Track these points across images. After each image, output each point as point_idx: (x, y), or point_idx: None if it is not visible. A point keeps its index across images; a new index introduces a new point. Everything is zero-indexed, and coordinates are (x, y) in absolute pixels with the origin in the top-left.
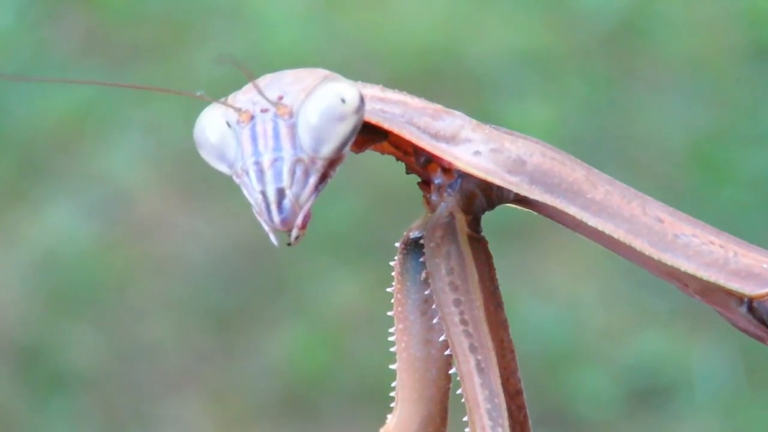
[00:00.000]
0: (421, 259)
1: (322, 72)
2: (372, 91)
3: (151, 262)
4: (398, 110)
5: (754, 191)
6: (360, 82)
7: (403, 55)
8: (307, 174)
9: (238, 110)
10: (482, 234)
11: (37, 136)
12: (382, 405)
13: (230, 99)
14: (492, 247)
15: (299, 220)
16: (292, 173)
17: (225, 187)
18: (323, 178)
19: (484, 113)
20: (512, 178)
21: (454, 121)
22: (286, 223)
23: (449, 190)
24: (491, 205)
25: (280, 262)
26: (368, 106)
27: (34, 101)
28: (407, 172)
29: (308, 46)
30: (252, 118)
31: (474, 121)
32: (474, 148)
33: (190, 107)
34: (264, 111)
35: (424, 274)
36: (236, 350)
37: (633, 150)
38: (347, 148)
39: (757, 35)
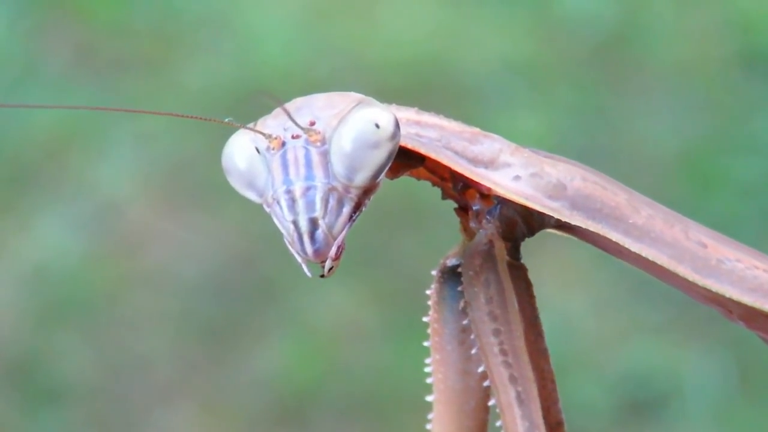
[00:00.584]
0: (459, 288)
1: (355, 96)
2: (407, 114)
3: (141, 274)
4: (435, 134)
5: (745, 200)
6: (395, 105)
7: (392, 65)
8: (340, 203)
9: (268, 136)
10: (522, 261)
11: (26, 148)
12: (374, 418)
13: (259, 124)
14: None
15: (333, 252)
16: (326, 202)
17: (215, 200)
18: (357, 207)
19: (472, 123)
20: (553, 204)
21: (492, 144)
22: (319, 254)
23: (488, 216)
24: (531, 231)
25: (271, 273)
26: (403, 130)
27: (23, 113)
28: (443, 198)
29: (297, 57)
30: (283, 144)
31: (513, 145)
32: (513, 173)
33: (180, 120)
34: (295, 137)
35: (462, 303)
36: (227, 362)
37: (623, 159)
38: (382, 176)
39: (747, 43)
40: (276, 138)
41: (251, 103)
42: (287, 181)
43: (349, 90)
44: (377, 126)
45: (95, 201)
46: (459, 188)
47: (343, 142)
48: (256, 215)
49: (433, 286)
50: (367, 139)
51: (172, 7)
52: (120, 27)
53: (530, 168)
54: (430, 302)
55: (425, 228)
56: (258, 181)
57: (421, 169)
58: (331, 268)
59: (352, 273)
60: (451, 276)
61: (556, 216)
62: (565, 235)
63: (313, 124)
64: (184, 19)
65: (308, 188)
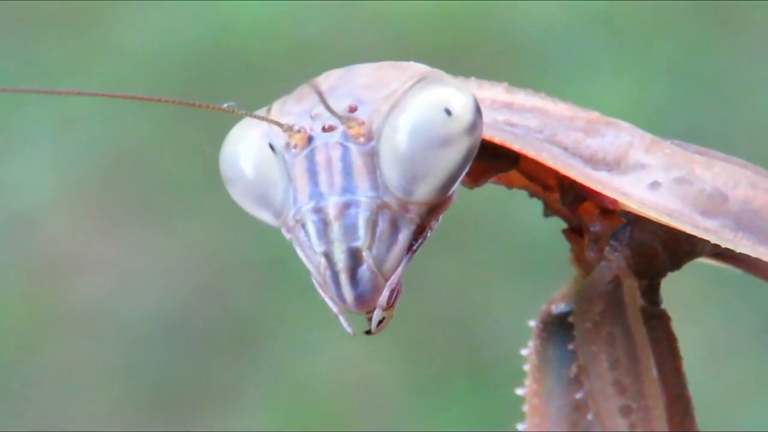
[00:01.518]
0: (570, 346)
1: (416, 68)
2: (493, 93)
3: (66, 314)
4: (534, 122)
5: None
6: (474, 80)
7: (415, 19)
8: (395, 227)
9: (289, 129)
10: (662, 307)
11: None
12: None
13: (274, 110)
14: (546, 280)
15: (384, 298)
16: (373, 226)
17: (169, 210)
18: (420, 232)
19: None
20: (708, 223)
21: (618, 136)
22: (364, 303)
23: (613, 242)
24: (677, 262)
25: (247, 312)
26: (488, 117)
27: None
28: (546, 214)
29: (280, 8)
30: (310, 140)
31: (648, 136)
32: (650, 178)
33: (110, 100)
34: (328, 130)
35: (574, 368)
36: None
37: (741, 142)
38: (457, 186)
39: None
40: (300, 131)
41: (221, 73)
42: (316, 194)
43: (357, 58)
44: (448, 113)
45: (2, 211)
46: (570, 201)
47: (399, 138)
48: (226, 233)
49: (531, 343)
50: (433, 132)
51: None
52: None
53: (674, 170)
54: (527, 367)
55: (467, 248)
56: (273, 195)
57: (514, 173)
58: (381, 320)
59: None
60: (559, 329)
61: (714, 240)
62: (723, 265)
63: (353, 110)
64: None
65: (348, 205)
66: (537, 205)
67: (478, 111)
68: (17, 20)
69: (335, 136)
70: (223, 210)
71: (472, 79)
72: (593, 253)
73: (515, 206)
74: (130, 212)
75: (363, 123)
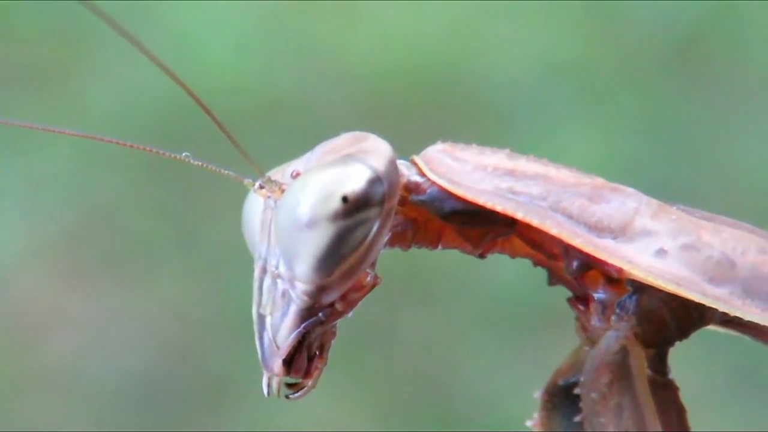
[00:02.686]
0: (577, 418)
1: (366, 144)
2: (494, 159)
3: (36, 373)
4: (537, 189)
5: None
6: (475, 146)
7: (386, 74)
8: (286, 299)
9: (251, 185)
10: (670, 377)
11: None
12: None
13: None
14: (518, 335)
15: (276, 365)
16: (272, 293)
17: (140, 267)
18: (310, 313)
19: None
20: (717, 290)
21: (624, 202)
22: (266, 365)
23: (620, 311)
24: (684, 330)
25: (220, 369)
26: (490, 184)
27: None
28: (551, 283)
29: (251, 65)
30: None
31: (654, 202)
32: (657, 245)
33: (88, 155)
34: (268, 192)
35: None
36: None
37: (709, 194)
38: (356, 273)
39: None
40: (261, 189)
41: (190, 129)
42: (261, 251)
43: (322, 112)
44: (320, 197)
45: None
46: (575, 269)
47: (278, 213)
48: (197, 291)
49: (536, 415)
50: (302, 215)
51: (70, 2)
52: (3, 29)
53: (681, 237)
54: None
55: (438, 303)
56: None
57: (516, 241)
58: (297, 388)
59: (337, 365)
60: (565, 400)
61: (723, 308)
62: (734, 333)
63: (296, 176)
64: (88, 15)
65: (264, 270)
66: (507, 260)
67: (363, 200)
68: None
69: (270, 201)
70: (194, 268)
71: (473, 145)
72: (599, 322)
73: (487, 261)
74: (101, 270)
75: (282, 190)
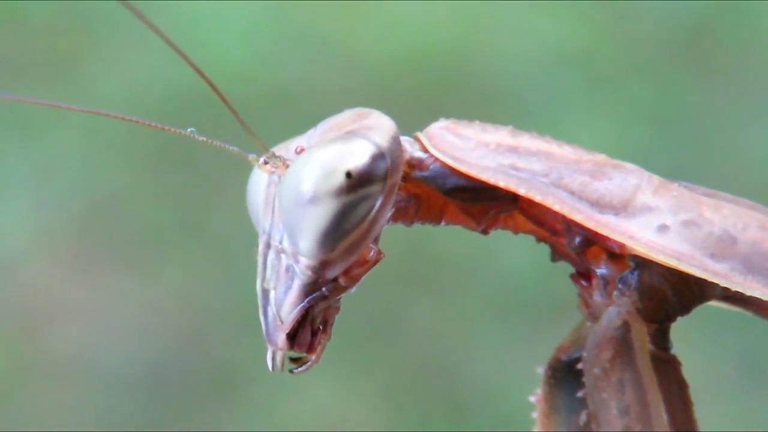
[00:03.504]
0: (579, 394)
1: (368, 120)
2: (497, 137)
3: (44, 361)
4: (539, 166)
5: None
6: (478, 123)
7: (393, 62)
8: (290, 274)
9: (256, 160)
10: (672, 352)
11: None
12: None
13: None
14: (527, 324)
15: (281, 340)
16: (275, 268)
17: (147, 257)
18: (314, 288)
19: None
20: (717, 266)
21: (625, 179)
22: (269, 340)
23: (621, 286)
24: (686, 306)
25: (226, 357)
26: (493, 161)
27: None
28: (554, 259)
29: (258, 53)
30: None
31: (655, 178)
32: (658, 221)
33: (95, 144)
34: (268, 166)
35: (584, 416)
36: None
37: (715, 181)
38: (360, 248)
39: None
40: (265, 164)
41: (197, 118)
42: (264, 226)
43: (332, 99)
44: (323, 173)
45: None
46: (577, 245)
47: (282, 189)
48: (204, 279)
49: (539, 390)
50: (301, 188)
51: None
52: (13, 17)
53: (682, 213)
54: (535, 414)
55: (446, 291)
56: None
57: (518, 217)
58: (301, 363)
59: (344, 354)
60: (568, 375)
61: (723, 283)
62: (735, 308)
63: (300, 151)
64: (97, 3)
65: (267, 245)
66: (516, 247)
67: (366, 175)
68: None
69: (274, 176)
70: (202, 257)
71: (476, 122)
72: (601, 297)
73: (495, 248)
74: (109, 259)
75: (286, 166)
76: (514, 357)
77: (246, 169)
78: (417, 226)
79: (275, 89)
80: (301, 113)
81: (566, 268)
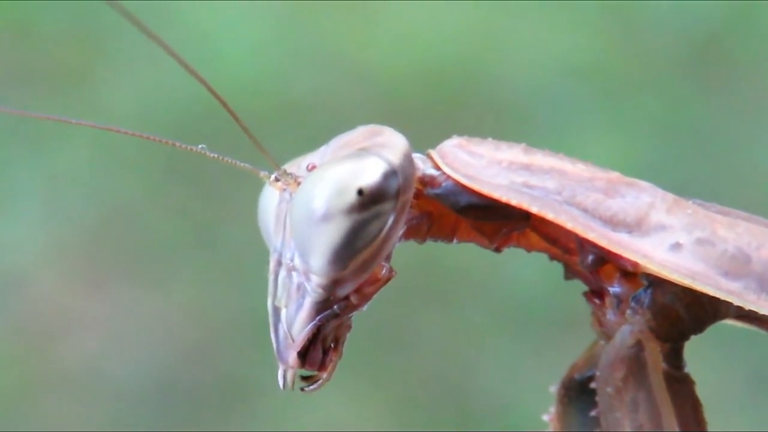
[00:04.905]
0: (593, 413)
1: (381, 137)
2: (510, 154)
3: (54, 374)
4: (552, 184)
5: None
6: (491, 140)
7: (404, 76)
8: (301, 292)
9: (267, 177)
10: (686, 371)
11: None
12: None
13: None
14: (537, 338)
15: (291, 358)
16: (286, 286)
17: (157, 269)
18: (325, 306)
19: None
20: (732, 285)
21: (639, 197)
22: (280, 358)
23: (635, 304)
24: (699, 324)
25: (236, 370)
26: (505, 179)
27: None
28: (567, 277)
29: (269, 67)
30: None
31: (669, 196)
32: (671, 240)
33: (107, 157)
34: (284, 185)
35: None
36: None
37: (727, 196)
38: (371, 266)
39: None
40: (277, 182)
41: (208, 131)
42: (276, 244)
43: (341, 115)
44: (334, 190)
45: None
46: (590, 263)
47: (293, 209)
48: (214, 291)
49: (552, 409)
50: (317, 208)
51: (89, 3)
52: (23, 29)
53: (696, 231)
54: None
55: (455, 304)
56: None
57: (531, 235)
58: (312, 381)
59: (355, 368)
60: (581, 394)
61: (737, 302)
62: (749, 327)
63: (312, 169)
64: (106, 16)
65: (279, 263)
66: (527, 261)
67: (378, 193)
68: (5, 79)
69: (286, 194)
70: (212, 269)
71: (489, 139)
72: (614, 316)
73: (505, 263)
74: (119, 272)
75: (297, 183)
76: (525, 371)
77: (256, 183)
78: (428, 241)
79: (286, 104)
80: (312, 128)
81: (577, 283)
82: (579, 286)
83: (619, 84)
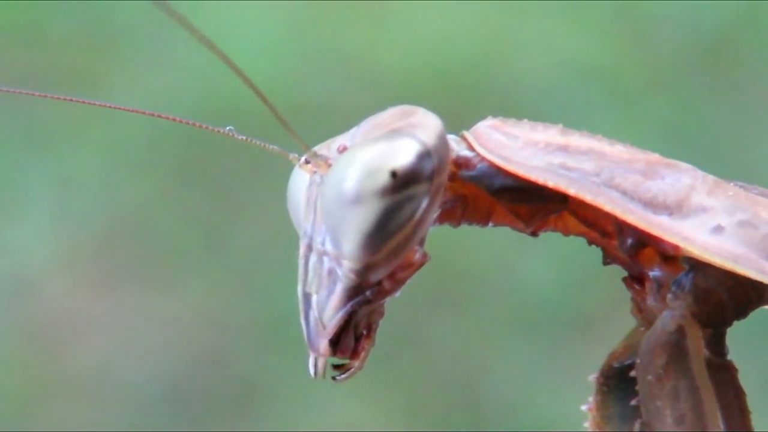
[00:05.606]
0: (633, 402)
1: (413, 118)
2: (547, 135)
3: (66, 379)
4: (590, 165)
5: None
6: (527, 121)
7: (415, 76)
8: (332, 277)
9: (296, 160)
10: (729, 358)
11: None
12: None
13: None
14: (550, 340)
15: (322, 345)
16: (317, 271)
17: (168, 273)
18: (357, 292)
19: None
20: None
21: (679, 179)
22: (311, 346)
23: (675, 289)
24: (742, 309)
25: (248, 375)
26: (542, 160)
27: None
28: (606, 262)
29: (281, 69)
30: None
31: (710, 178)
32: (713, 222)
33: (118, 160)
34: (314, 167)
35: (637, 425)
36: None
37: None
38: (405, 251)
39: None
40: (307, 164)
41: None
42: (306, 228)
43: (352, 116)
44: (366, 171)
45: (2, 275)
46: (629, 247)
47: (324, 192)
48: (226, 295)
49: (591, 399)
50: (348, 191)
51: (98, 4)
52: (31, 34)
53: (738, 213)
54: (587, 424)
55: (468, 306)
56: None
57: (568, 218)
58: (344, 370)
59: (367, 370)
60: (621, 383)
61: None
62: None
63: (343, 150)
64: (117, 19)
65: (309, 247)
66: (539, 263)
67: (412, 175)
68: (16, 81)
69: (317, 176)
70: (223, 272)
71: (525, 120)
72: (655, 301)
73: (517, 264)
74: (129, 275)
75: (328, 165)
76: (537, 374)
77: (268, 185)
78: (440, 242)
79: (297, 106)
80: (323, 129)
81: (590, 285)
82: (592, 289)
83: (629, 86)
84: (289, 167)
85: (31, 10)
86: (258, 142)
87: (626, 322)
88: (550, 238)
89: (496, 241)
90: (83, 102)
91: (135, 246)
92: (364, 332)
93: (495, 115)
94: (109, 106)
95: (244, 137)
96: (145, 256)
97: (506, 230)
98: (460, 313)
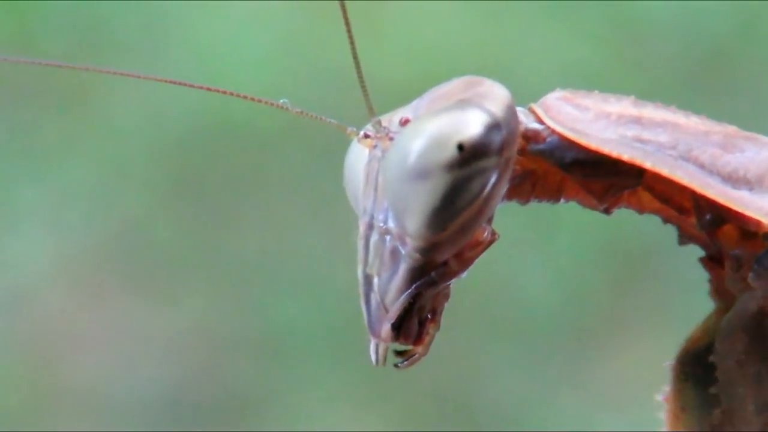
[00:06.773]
0: (712, 390)
1: (479, 88)
2: (619, 107)
3: (61, 392)
4: (665, 138)
5: None
6: (597, 92)
7: (410, 86)
8: (395, 257)
9: (355, 134)
10: None
11: None
12: None
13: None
14: (545, 350)
15: (384, 330)
16: (379, 251)
17: (166, 284)
18: (422, 273)
19: None
20: None
21: (759, 152)
22: (372, 330)
23: (758, 267)
24: None
25: (244, 388)
26: (615, 133)
27: None
28: (682, 241)
29: (273, 82)
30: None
31: None
32: None
33: (117, 169)
34: (371, 140)
35: (718, 414)
36: None
37: None
38: (473, 229)
39: None
40: (367, 138)
41: (218, 147)
42: (366, 205)
43: (349, 123)
44: (431, 144)
45: None
46: (707, 223)
47: (387, 167)
48: (223, 308)
49: (667, 388)
50: (413, 165)
51: (91, 18)
52: (29, 47)
53: None
54: (663, 414)
55: (463, 317)
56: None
57: (643, 194)
58: (407, 356)
59: (362, 380)
60: (699, 370)
61: None
62: None
63: (405, 123)
64: (108, 33)
65: (370, 226)
66: (534, 273)
67: (480, 148)
68: (11, 96)
69: (377, 150)
70: (219, 285)
71: (596, 92)
72: (735, 282)
73: (511, 273)
74: (126, 288)
75: (390, 139)
76: (532, 383)
77: (264, 197)
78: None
79: (291, 119)
80: (319, 141)
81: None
82: (586, 298)
83: (626, 94)
84: (287, 179)
85: (24, 23)
86: (314, 116)
87: (621, 331)
88: (544, 248)
89: (491, 251)
90: (113, 72)
91: (131, 259)
92: (429, 316)
93: None
94: (139, 77)
95: (299, 110)
96: (141, 269)
97: (501, 240)
98: (454, 323)
